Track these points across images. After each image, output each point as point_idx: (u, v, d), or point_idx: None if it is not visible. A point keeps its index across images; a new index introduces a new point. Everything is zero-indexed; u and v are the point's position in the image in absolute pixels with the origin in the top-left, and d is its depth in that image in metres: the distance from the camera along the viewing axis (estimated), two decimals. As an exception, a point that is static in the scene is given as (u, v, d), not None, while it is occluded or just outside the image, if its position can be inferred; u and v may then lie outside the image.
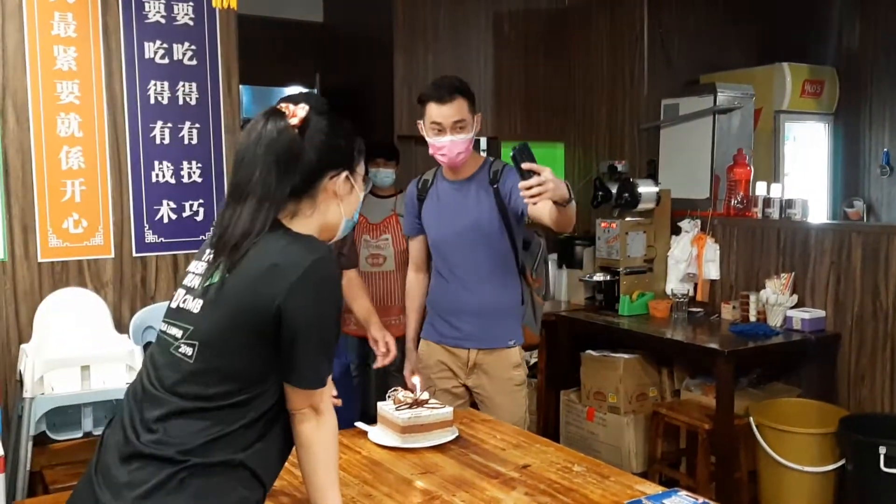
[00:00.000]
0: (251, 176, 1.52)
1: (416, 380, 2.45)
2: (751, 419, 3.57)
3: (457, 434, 2.26)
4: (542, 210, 2.45)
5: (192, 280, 1.57)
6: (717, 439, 3.57)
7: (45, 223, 3.28)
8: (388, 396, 2.26)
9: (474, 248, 2.74)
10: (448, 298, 2.81)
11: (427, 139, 2.69)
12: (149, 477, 1.42)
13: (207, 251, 1.58)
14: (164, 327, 1.58)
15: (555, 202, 2.31)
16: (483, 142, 5.22)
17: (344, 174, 1.61)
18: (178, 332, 1.53)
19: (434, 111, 2.63)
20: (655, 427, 3.90)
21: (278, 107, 1.59)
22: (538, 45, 5.15)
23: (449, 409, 2.26)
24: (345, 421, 2.87)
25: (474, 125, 2.69)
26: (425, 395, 2.29)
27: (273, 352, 1.49)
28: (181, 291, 1.58)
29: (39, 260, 3.28)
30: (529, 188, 2.16)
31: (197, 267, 1.59)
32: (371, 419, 2.84)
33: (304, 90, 5.68)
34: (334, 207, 1.62)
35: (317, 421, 1.56)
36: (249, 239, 1.49)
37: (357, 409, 4.29)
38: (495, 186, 2.71)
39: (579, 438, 4.26)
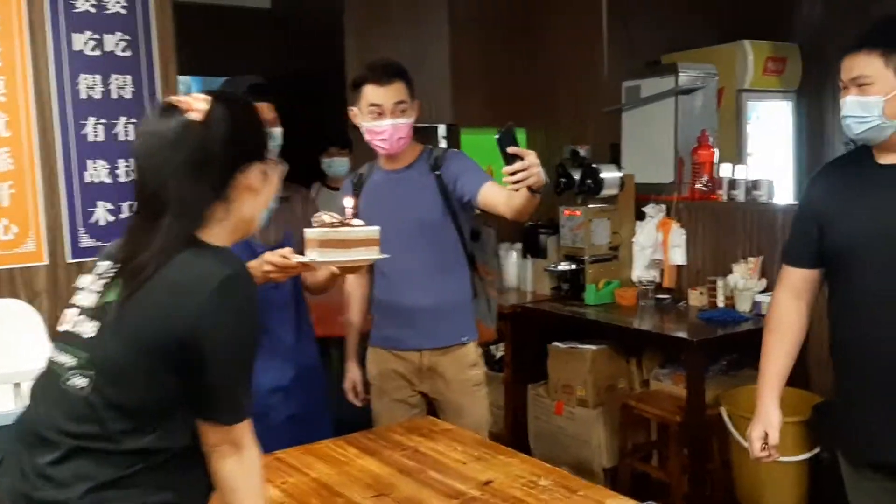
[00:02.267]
0: (163, 185, 1.33)
1: (347, 202, 2.22)
2: (722, 409, 3.47)
3: (384, 256, 2.11)
4: (498, 197, 2.32)
5: (86, 298, 1.37)
6: (689, 431, 3.47)
7: (-29, 230, 3.07)
8: (314, 221, 2.09)
9: (418, 241, 2.59)
10: (392, 297, 2.66)
11: (363, 125, 2.53)
12: None
13: (105, 265, 1.38)
14: (52, 354, 1.38)
15: (531, 189, 2.17)
16: (442, 129, 5.06)
17: (258, 166, 1.43)
18: (69, 360, 1.34)
19: (372, 93, 2.48)
20: (625, 420, 3.79)
21: (170, 101, 1.39)
22: (497, 27, 4.98)
23: (376, 228, 2.09)
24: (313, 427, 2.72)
25: (414, 111, 2.55)
26: (358, 222, 2.11)
27: (181, 383, 1.31)
28: (72, 312, 1.38)
29: (-34, 270, 3.07)
30: (514, 173, 2.03)
31: (91, 282, 1.38)
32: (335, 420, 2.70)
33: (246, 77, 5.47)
34: (249, 202, 1.43)
35: (238, 457, 1.38)
36: (161, 258, 1.30)
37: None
38: (437, 173, 2.57)
39: (548, 434, 4.15)
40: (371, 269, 2.78)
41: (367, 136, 2.54)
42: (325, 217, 2.12)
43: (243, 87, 2.45)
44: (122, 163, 3.34)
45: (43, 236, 3.19)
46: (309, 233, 2.09)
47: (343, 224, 2.10)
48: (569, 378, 4.02)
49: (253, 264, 2.24)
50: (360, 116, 2.52)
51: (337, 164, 4.03)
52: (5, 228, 3.12)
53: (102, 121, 3.29)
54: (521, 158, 2.04)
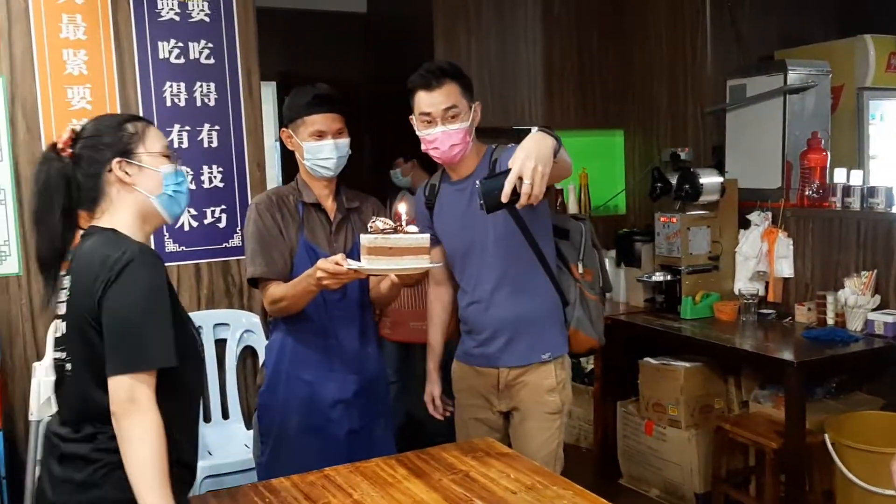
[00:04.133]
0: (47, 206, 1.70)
1: (401, 207, 2.14)
2: (826, 437, 3.17)
3: (434, 265, 2.09)
4: None
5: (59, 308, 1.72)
6: (787, 459, 3.20)
7: (61, 235, 3.16)
8: (370, 226, 2.04)
9: (489, 256, 2.44)
10: (471, 314, 2.52)
11: (418, 133, 2.41)
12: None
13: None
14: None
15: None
16: (534, 132, 4.91)
17: (115, 162, 1.70)
18: (62, 355, 1.70)
19: (422, 100, 2.35)
20: (719, 443, 3.54)
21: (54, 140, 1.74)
22: (591, 23, 4.79)
23: (426, 236, 2.03)
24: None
25: (471, 114, 2.39)
26: (413, 228, 2.04)
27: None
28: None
29: (55, 273, 3.16)
30: (528, 196, 1.95)
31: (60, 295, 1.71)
32: (417, 425, 2.61)
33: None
34: (134, 194, 1.73)
35: (139, 415, 1.56)
36: (63, 253, 1.69)
37: (399, 417, 4.07)
38: None
39: (637, 453, 3.94)
40: (451, 283, 2.68)
41: (423, 146, 2.42)
42: (379, 223, 2.05)
43: (308, 98, 2.39)
44: (206, 169, 3.39)
45: (128, 241, 3.26)
46: (362, 239, 2.04)
47: (396, 230, 2.02)
48: (660, 396, 3.80)
49: (309, 272, 2.20)
50: (415, 124, 2.42)
51: (399, 176, 3.96)
52: (93, 233, 3.20)
53: (187, 128, 3.34)
54: (518, 179, 1.95)
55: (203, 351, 1.90)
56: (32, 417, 2.75)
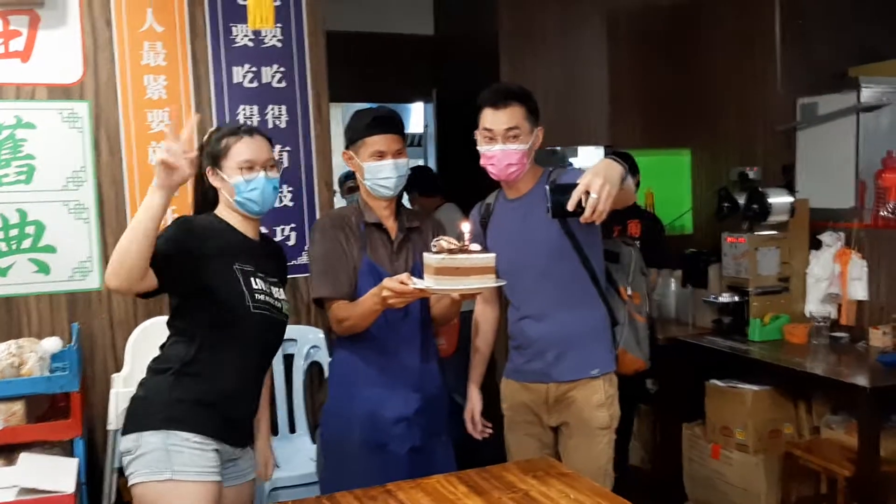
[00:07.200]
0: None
1: (465, 226, 2.17)
2: (902, 466, 3.08)
3: (500, 283, 2.10)
4: None
5: None
6: (860, 487, 3.11)
7: (139, 252, 3.29)
8: (433, 246, 2.06)
9: (541, 273, 2.49)
10: (521, 330, 2.57)
11: (478, 148, 2.47)
12: None
13: None
14: None
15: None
16: (600, 152, 4.91)
17: (208, 169, 2.24)
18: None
19: (487, 117, 2.42)
20: (789, 469, 3.46)
21: None
22: (658, 43, 4.78)
23: (491, 256, 2.05)
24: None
25: (532, 137, 2.44)
26: (476, 247, 2.07)
27: None
28: None
29: (134, 289, 3.29)
30: (593, 211, 1.98)
31: None
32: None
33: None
34: (223, 193, 2.26)
35: None
36: None
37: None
38: None
39: (703, 478, 3.87)
40: (499, 303, 2.71)
41: (481, 161, 2.47)
42: (444, 243, 2.09)
43: (368, 119, 2.45)
44: (276, 189, 3.48)
45: (202, 258, 3.37)
46: (427, 258, 2.07)
47: (462, 250, 2.05)
48: (728, 420, 3.74)
49: (374, 290, 2.25)
50: (478, 139, 2.47)
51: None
52: (169, 250, 3.32)
53: (258, 149, 3.44)
54: (584, 193, 1.98)
55: (251, 308, 2.13)
56: (110, 427, 2.87)
